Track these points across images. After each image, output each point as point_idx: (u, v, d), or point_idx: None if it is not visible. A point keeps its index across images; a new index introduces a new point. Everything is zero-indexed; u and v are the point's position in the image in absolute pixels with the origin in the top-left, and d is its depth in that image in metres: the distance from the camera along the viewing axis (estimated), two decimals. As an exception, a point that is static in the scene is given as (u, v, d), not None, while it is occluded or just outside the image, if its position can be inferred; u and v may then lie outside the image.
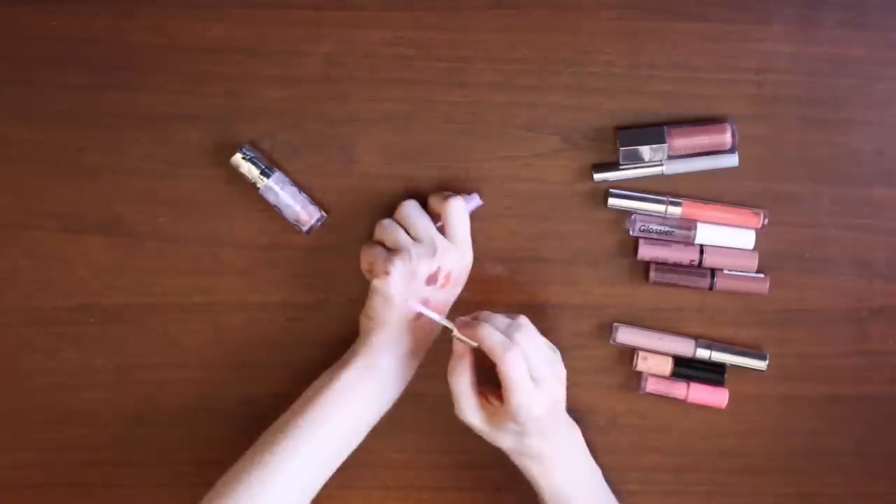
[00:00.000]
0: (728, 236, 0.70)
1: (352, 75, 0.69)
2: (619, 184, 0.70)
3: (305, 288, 0.71)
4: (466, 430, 0.64)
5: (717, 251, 0.70)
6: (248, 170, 0.68)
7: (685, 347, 0.71)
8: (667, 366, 0.71)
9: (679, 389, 0.71)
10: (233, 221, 0.70)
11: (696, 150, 0.69)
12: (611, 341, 0.71)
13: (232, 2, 0.68)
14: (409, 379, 0.67)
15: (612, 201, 0.70)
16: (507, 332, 0.61)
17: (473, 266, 0.68)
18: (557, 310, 0.72)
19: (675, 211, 0.69)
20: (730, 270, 0.70)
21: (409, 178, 0.70)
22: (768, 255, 0.71)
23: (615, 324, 0.72)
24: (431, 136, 0.70)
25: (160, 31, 0.69)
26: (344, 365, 0.65)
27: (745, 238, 0.70)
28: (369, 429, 0.66)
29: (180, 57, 0.69)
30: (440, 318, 0.64)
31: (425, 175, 0.70)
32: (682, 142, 0.68)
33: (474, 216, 0.68)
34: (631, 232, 0.70)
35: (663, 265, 0.70)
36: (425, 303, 0.65)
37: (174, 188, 0.70)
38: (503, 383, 0.60)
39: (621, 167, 0.69)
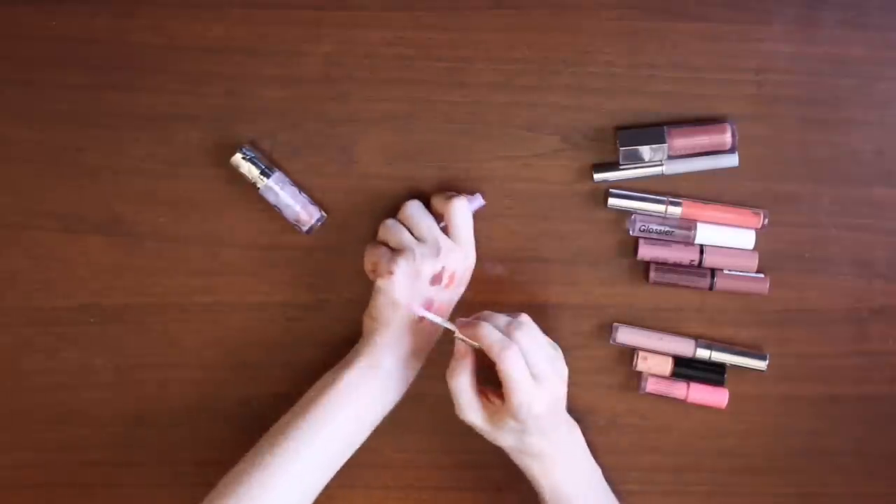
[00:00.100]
0: (728, 236, 0.70)
1: (352, 75, 0.69)
2: (619, 184, 0.70)
3: (305, 288, 0.71)
4: (467, 430, 0.64)
5: (717, 251, 0.70)
6: (248, 170, 0.68)
7: (685, 347, 0.71)
8: (667, 366, 0.71)
9: (679, 389, 0.71)
10: (233, 221, 0.70)
11: (696, 150, 0.69)
12: (611, 341, 0.71)
13: (232, 2, 0.68)
14: (411, 379, 0.67)
15: (612, 201, 0.70)
16: (507, 331, 0.61)
17: (474, 266, 0.68)
18: (557, 310, 0.72)
19: (675, 211, 0.69)
20: (730, 270, 0.70)
21: (409, 178, 0.70)
22: (768, 255, 0.71)
23: (615, 324, 0.72)
24: (431, 136, 0.70)
25: (160, 31, 0.69)
26: (347, 365, 0.65)
27: (745, 238, 0.70)
28: (371, 429, 0.66)
29: (180, 57, 0.69)
30: (442, 321, 0.64)
31: (425, 175, 0.70)
32: (682, 142, 0.68)
33: (474, 216, 0.68)
34: (631, 232, 0.70)
35: (663, 265, 0.70)
36: (429, 303, 0.65)
37: (174, 188, 0.70)
38: (503, 381, 0.60)
39: (621, 167, 0.69)
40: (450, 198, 0.66)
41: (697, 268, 0.70)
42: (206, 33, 0.69)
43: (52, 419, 0.72)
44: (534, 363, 0.60)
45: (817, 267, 0.71)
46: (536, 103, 0.69)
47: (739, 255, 0.70)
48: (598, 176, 0.70)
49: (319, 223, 0.69)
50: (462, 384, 0.62)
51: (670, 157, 0.69)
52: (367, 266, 0.67)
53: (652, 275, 0.70)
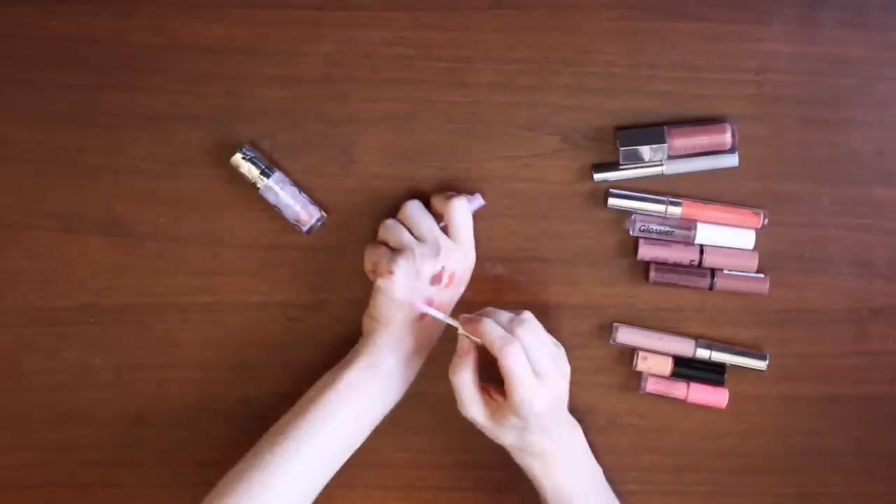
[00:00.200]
0: (728, 236, 0.70)
1: (352, 75, 0.69)
2: (619, 184, 0.70)
3: (306, 288, 0.71)
4: (468, 430, 0.64)
5: (717, 251, 0.70)
6: (248, 170, 0.68)
7: (685, 347, 0.71)
8: (667, 366, 0.71)
9: (679, 389, 0.71)
10: (233, 221, 0.70)
11: (696, 150, 0.69)
12: (611, 341, 0.71)
13: (232, 2, 0.68)
14: (412, 379, 0.67)
15: (612, 201, 0.70)
16: (510, 327, 0.61)
17: (474, 266, 0.68)
18: (557, 310, 0.72)
19: (675, 211, 0.69)
20: (730, 270, 0.70)
21: (409, 178, 0.70)
22: (768, 255, 0.71)
23: (615, 324, 0.72)
24: (431, 136, 0.70)
25: (160, 31, 0.69)
26: (347, 365, 0.65)
27: (745, 238, 0.70)
28: (372, 429, 0.66)
29: (180, 57, 0.69)
30: (445, 317, 0.64)
31: (425, 175, 0.70)
32: (682, 142, 0.68)
33: (474, 216, 0.68)
34: (631, 232, 0.70)
35: (663, 265, 0.70)
36: (429, 303, 0.65)
37: (174, 188, 0.70)
38: (505, 377, 0.60)
39: (621, 167, 0.69)
40: (450, 198, 0.66)
41: (697, 268, 0.70)
42: (206, 33, 0.69)
43: (52, 419, 0.72)
44: (536, 360, 0.60)
45: (817, 267, 0.71)
46: (536, 103, 0.69)
47: (739, 255, 0.70)
48: (598, 176, 0.70)
49: (319, 223, 0.69)
50: (464, 380, 0.62)
51: (670, 157, 0.69)
52: (367, 266, 0.67)
53: (652, 275, 0.70)
